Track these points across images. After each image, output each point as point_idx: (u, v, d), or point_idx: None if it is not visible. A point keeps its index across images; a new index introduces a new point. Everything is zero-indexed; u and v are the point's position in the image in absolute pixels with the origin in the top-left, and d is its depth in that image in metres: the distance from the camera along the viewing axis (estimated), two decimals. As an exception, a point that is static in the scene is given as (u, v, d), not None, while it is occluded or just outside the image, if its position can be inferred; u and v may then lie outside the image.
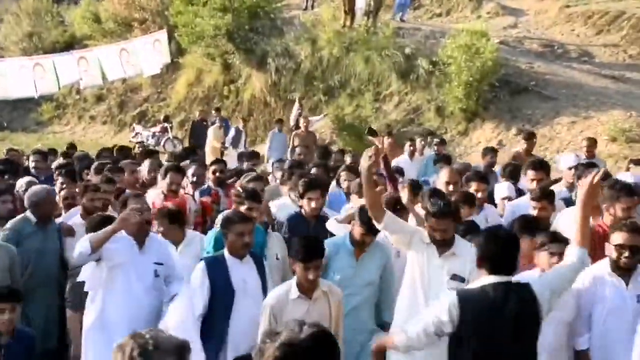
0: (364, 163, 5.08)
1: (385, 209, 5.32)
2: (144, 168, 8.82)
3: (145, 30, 21.59)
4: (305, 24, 20.80)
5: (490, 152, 10.45)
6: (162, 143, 20.12)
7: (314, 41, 19.65)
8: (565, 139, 15.19)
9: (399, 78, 18.17)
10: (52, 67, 14.16)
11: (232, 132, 17.31)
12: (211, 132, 16.89)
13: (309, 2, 23.14)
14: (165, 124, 20.54)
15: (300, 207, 6.74)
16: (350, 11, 19.51)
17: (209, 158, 15.64)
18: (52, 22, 26.01)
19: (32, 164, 10.41)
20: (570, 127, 15.63)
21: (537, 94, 16.84)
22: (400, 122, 17.63)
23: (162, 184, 7.67)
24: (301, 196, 6.63)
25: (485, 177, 7.61)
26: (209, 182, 8.57)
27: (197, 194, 8.16)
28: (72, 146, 14.50)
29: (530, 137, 10.79)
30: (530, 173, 7.31)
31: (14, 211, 7.22)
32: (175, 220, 6.21)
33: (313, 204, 6.53)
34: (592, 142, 10.64)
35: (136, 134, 21.13)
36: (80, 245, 5.11)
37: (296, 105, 17.61)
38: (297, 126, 16.50)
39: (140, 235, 5.52)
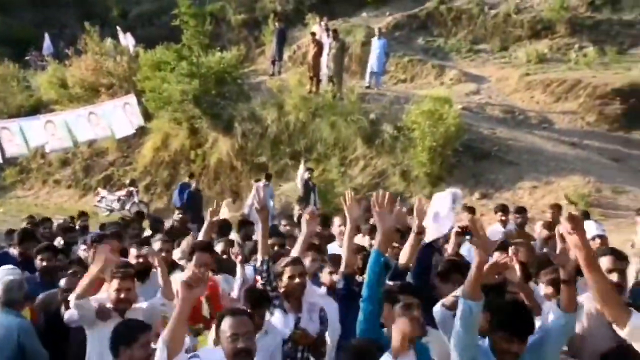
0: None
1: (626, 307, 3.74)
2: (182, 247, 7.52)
3: (113, 95, 21.67)
4: (271, 89, 21.11)
5: None
6: (127, 207, 20.03)
7: (281, 106, 19.90)
8: (527, 203, 15.42)
9: (364, 143, 18.43)
10: (19, 131, 14.07)
11: (253, 192, 16.28)
12: (224, 205, 16.24)
13: (276, 68, 23.52)
14: (131, 188, 20.45)
15: None
16: (316, 77, 19.91)
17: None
18: (17, 87, 25.99)
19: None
20: (532, 191, 15.95)
21: (499, 159, 17.20)
22: (365, 186, 17.79)
23: (189, 266, 6.38)
24: (361, 273, 5.90)
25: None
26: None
27: (249, 269, 7.04)
28: (83, 214, 13.57)
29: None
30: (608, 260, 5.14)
31: None
32: (263, 303, 5.33)
33: None
34: (557, 209, 10.74)
35: (101, 198, 20.98)
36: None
37: (302, 167, 17.11)
38: (305, 192, 16.09)
39: None
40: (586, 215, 10.50)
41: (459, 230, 6.24)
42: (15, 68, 26.92)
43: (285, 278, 5.44)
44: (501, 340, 4.06)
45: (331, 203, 17.02)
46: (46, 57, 27.60)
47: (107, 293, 5.69)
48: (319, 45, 19.94)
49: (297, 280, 5.40)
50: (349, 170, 18.28)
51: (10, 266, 6.50)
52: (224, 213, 16.26)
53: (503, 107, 20.64)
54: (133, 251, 7.07)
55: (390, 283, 4.93)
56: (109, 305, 5.62)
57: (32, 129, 14.72)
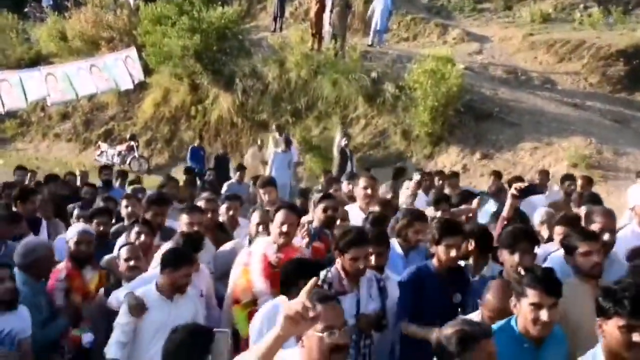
0: None
1: None
2: (254, 219, 6.26)
3: (113, 49, 21.43)
4: (273, 46, 20.93)
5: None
6: (128, 162, 20.06)
7: (282, 63, 19.77)
8: (527, 164, 15.48)
9: (365, 101, 18.36)
10: (19, 83, 13.90)
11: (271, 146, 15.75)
12: (249, 154, 16.02)
13: (277, 24, 23.29)
14: (132, 143, 20.45)
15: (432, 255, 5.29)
16: (318, 34, 19.72)
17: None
18: (17, 39, 25.74)
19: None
20: (533, 152, 15.95)
21: (501, 119, 17.15)
22: (366, 145, 17.81)
23: (274, 229, 5.44)
24: (436, 242, 5.16)
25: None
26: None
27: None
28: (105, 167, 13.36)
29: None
30: None
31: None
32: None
33: (453, 253, 5.11)
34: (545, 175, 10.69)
35: (101, 152, 21.00)
36: None
37: (338, 134, 16.20)
38: (342, 161, 15.12)
39: None
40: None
41: (515, 193, 5.75)
42: (14, 20, 26.62)
43: (347, 258, 4.84)
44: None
45: (331, 162, 17.03)
46: (45, 9, 27.25)
47: (158, 276, 5.10)
48: (321, 2, 19.69)
49: (360, 265, 4.84)
50: (349, 129, 18.24)
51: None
52: (248, 161, 16.07)
53: (506, 67, 20.51)
54: (184, 218, 6.23)
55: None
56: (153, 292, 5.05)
57: (32, 81, 14.57)
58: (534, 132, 16.59)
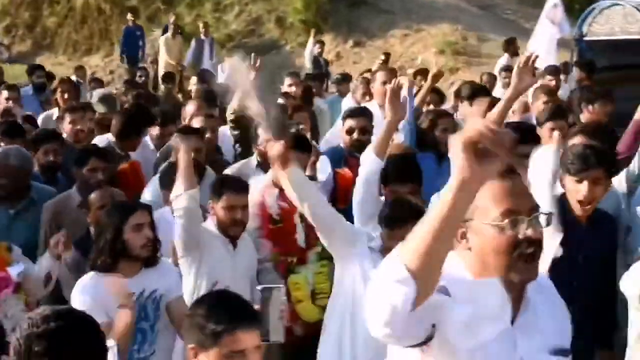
0: None
1: None
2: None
3: None
4: None
5: None
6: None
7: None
8: (397, 51, 15.88)
9: (239, -13, 18.02)
10: None
11: (192, 45, 14.75)
12: (162, 43, 14.53)
13: None
14: (-10, 30, 19.26)
15: None
16: None
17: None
18: None
19: None
20: (403, 39, 16.37)
21: (373, 6, 17.34)
22: (240, 32, 17.60)
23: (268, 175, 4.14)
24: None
25: None
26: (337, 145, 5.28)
27: (324, 162, 4.69)
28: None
29: None
30: None
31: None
32: None
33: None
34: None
35: (-43, 41, 19.69)
36: None
37: (311, 40, 14.84)
38: (318, 71, 13.04)
39: None
40: None
41: None
42: None
43: None
44: None
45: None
46: None
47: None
48: None
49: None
50: (223, 17, 17.91)
51: None
52: (161, 53, 14.78)
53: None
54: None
55: None
56: None
57: None
58: (405, 20, 16.94)
